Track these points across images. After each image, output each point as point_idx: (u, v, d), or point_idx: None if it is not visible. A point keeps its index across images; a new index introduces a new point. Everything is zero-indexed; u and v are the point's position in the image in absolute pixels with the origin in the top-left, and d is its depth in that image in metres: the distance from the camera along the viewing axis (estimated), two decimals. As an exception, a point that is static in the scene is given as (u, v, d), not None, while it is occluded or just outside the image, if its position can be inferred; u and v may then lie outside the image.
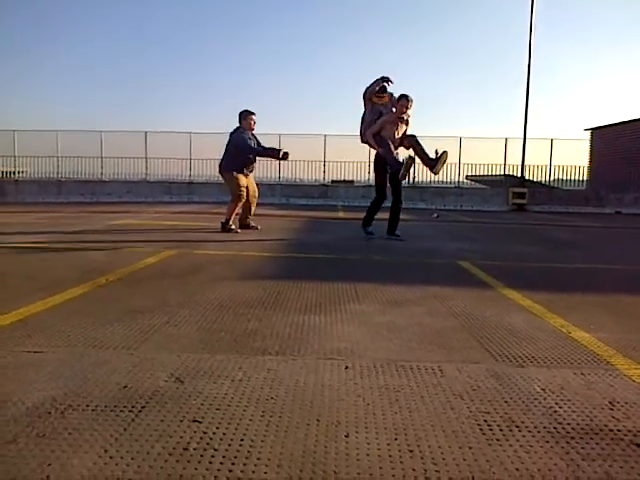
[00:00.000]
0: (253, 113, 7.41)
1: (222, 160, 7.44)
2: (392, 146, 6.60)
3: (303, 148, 19.69)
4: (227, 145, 7.38)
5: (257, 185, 7.85)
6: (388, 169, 6.68)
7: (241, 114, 7.39)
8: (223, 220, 7.26)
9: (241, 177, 7.28)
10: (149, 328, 2.59)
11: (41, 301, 3.06)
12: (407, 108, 6.66)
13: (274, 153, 7.55)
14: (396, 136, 6.72)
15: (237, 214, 7.40)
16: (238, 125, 7.40)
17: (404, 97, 6.61)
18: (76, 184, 17.45)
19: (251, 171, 7.52)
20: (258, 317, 2.85)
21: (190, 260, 4.74)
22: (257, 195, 7.79)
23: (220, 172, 7.48)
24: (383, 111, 6.78)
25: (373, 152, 7.00)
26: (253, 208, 7.70)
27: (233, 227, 7.27)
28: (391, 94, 6.84)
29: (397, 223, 6.90)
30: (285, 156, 7.51)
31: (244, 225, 7.57)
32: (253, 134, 7.49)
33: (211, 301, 3.17)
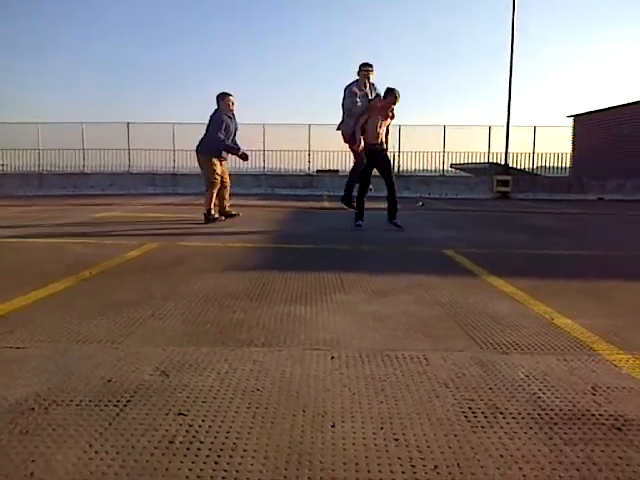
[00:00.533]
0: (230, 95, 7.36)
1: (200, 142, 7.38)
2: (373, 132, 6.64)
3: (288, 138, 19.61)
4: (207, 128, 7.33)
5: (230, 176, 7.80)
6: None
7: (219, 96, 7.33)
8: (205, 211, 7.23)
9: (217, 163, 7.25)
10: (133, 321, 2.58)
11: (23, 296, 3.02)
12: (394, 104, 6.68)
13: (234, 151, 7.48)
14: (379, 129, 6.73)
15: (215, 204, 7.37)
16: (216, 107, 7.35)
17: (392, 93, 6.60)
18: (58, 177, 17.24)
19: (225, 158, 7.48)
20: (243, 309, 2.84)
21: (174, 252, 4.71)
22: (230, 183, 7.73)
23: (197, 154, 7.40)
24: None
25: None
26: (227, 196, 7.65)
27: (216, 216, 7.25)
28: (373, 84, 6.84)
29: (395, 208, 6.86)
30: (244, 157, 7.55)
31: (224, 214, 7.54)
32: (233, 114, 7.45)
33: (196, 293, 3.16)
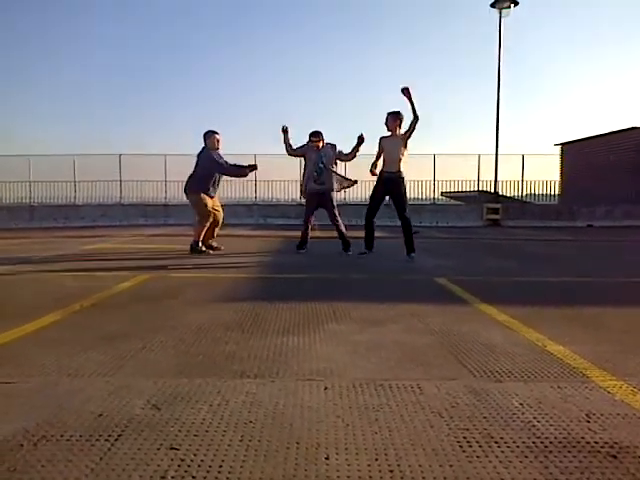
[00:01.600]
0: (217, 132, 7.45)
1: (187, 181, 7.45)
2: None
3: (279, 168, 19.72)
4: (195, 166, 7.42)
5: (222, 206, 7.83)
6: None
7: (205, 134, 7.42)
8: (192, 242, 7.25)
9: (207, 198, 7.31)
10: (125, 354, 2.55)
11: (12, 329, 2.99)
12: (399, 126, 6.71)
13: (243, 171, 7.68)
14: (400, 155, 6.69)
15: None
16: (204, 146, 7.43)
17: (398, 117, 6.68)
18: (49, 209, 17.17)
19: (214, 195, 7.51)
20: (236, 340, 2.82)
21: (166, 284, 4.69)
22: (222, 217, 7.76)
23: (186, 193, 7.46)
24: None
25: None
26: (217, 230, 7.69)
27: (204, 248, 7.27)
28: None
29: (412, 241, 6.69)
30: (253, 168, 7.68)
31: (208, 247, 7.54)
32: (219, 154, 7.52)
33: (188, 325, 3.14)
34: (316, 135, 7.30)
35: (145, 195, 18.46)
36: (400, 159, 6.62)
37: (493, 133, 17.44)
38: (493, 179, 17.72)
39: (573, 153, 23.57)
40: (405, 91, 6.32)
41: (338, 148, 7.37)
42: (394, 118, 6.64)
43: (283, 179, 18.80)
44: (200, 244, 7.24)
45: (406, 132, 6.58)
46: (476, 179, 18.79)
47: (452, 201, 20.03)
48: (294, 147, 7.42)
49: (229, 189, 18.28)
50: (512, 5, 16.43)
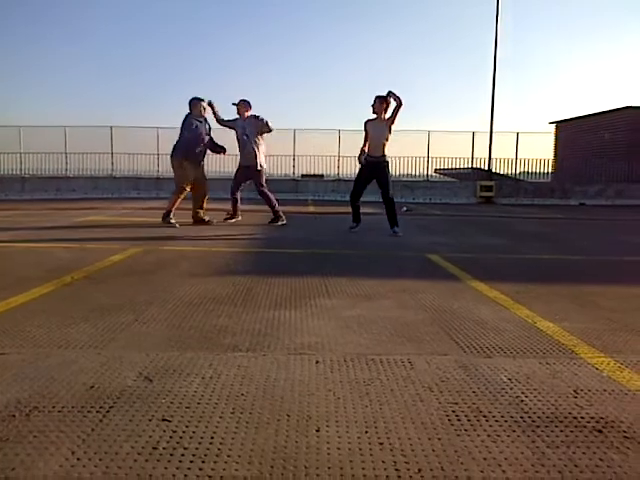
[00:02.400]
0: (202, 99, 7.39)
1: (173, 147, 7.39)
2: None
3: (273, 143, 19.58)
4: (180, 133, 7.35)
5: (206, 181, 7.67)
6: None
7: (191, 102, 7.35)
8: (164, 212, 7.24)
9: (189, 167, 7.23)
10: (116, 326, 2.56)
11: (4, 301, 2.98)
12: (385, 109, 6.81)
13: (214, 148, 7.66)
14: (384, 141, 6.87)
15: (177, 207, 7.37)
16: (188, 112, 7.36)
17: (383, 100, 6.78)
18: (40, 180, 17.02)
19: (199, 162, 7.42)
20: (228, 313, 2.83)
21: (158, 257, 4.68)
22: (207, 189, 7.66)
23: (171, 159, 7.40)
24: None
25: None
26: (203, 202, 7.62)
27: (173, 221, 7.21)
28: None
29: (395, 217, 6.92)
30: (222, 150, 7.77)
31: (197, 220, 7.52)
32: (205, 119, 7.46)
33: (180, 298, 3.14)
34: (240, 103, 7.52)
35: (137, 168, 18.33)
36: (384, 144, 6.81)
37: (488, 111, 17.38)
38: (487, 157, 17.71)
39: (567, 131, 23.55)
40: (390, 94, 6.66)
41: (266, 120, 7.46)
42: (381, 101, 6.77)
43: (276, 154, 18.68)
44: (171, 215, 7.21)
45: (390, 117, 6.77)
46: (470, 156, 18.76)
47: (446, 178, 20.01)
48: (225, 119, 7.71)
49: (221, 163, 18.16)
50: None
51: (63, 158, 18.06)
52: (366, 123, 6.89)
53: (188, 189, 7.31)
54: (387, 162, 6.93)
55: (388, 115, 6.78)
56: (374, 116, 6.87)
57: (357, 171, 7.24)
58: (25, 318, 2.67)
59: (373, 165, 6.83)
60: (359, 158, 6.83)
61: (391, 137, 6.90)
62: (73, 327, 2.54)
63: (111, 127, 18.11)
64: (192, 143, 7.21)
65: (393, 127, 6.84)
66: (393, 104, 6.67)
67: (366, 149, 6.80)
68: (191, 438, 1.50)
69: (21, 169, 17.92)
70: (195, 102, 7.34)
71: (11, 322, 2.60)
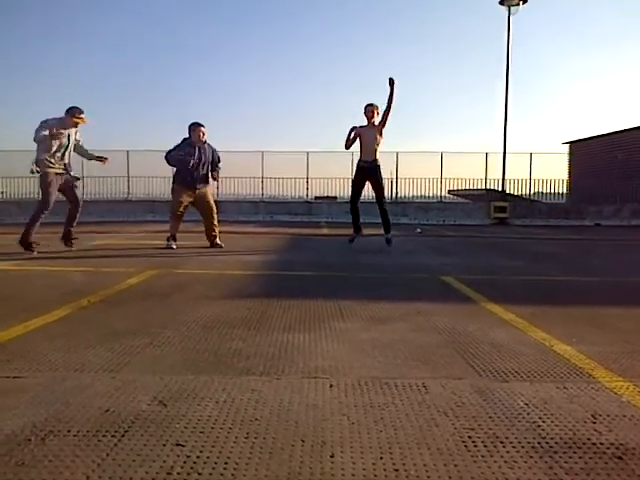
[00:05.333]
0: (202, 125, 7.41)
1: None
2: None
3: (286, 165, 19.76)
4: None
5: (207, 203, 7.61)
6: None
7: (190, 127, 7.41)
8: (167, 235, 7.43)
9: (179, 192, 7.41)
10: (132, 350, 2.57)
11: (21, 324, 3.01)
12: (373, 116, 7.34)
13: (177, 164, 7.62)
14: (375, 146, 7.37)
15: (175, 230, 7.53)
16: (187, 137, 7.45)
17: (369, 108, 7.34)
18: (57, 204, 17.12)
19: (196, 188, 7.42)
20: (242, 337, 2.83)
21: (173, 280, 4.71)
22: (213, 211, 7.62)
23: None
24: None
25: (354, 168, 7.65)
26: (212, 226, 7.60)
27: (170, 242, 7.34)
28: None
29: (389, 223, 7.48)
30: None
31: (211, 244, 7.59)
32: (209, 145, 7.52)
33: (194, 321, 3.15)
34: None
35: (152, 191, 18.53)
36: (376, 149, 7.36)
37: (501, 131, 17.40)
38: (501, 177, 17.68)
39: (581, 152, 23.47)
40: (391, 81, 7.06)
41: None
42: (372, 109, 7.30)
43: (290, 176, 18.82)
44: (168, 239, 7.39)
45: (381, 122, 7.32)
46: (484, 177, 18.76)
47: (459, 199, 20.00)
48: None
49: (235, 186, 18.34)
50: (521, 2, 16.38)
51: (80, 182, 18.31)
52: (357, 128, 7.41)
53: (179, 213, 7.49)
54: (379, 165, 7.47)
55: (378, 120, 7.32)
56: (364, 123, 7.42)
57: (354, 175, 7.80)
58: (42, 341, 2.69)
59: (367, 169, 7.41)
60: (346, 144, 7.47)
61: (382, 141, 7.44)
62: (89, 350, 2.55)
63: (127, 151, 18.39)
64: (179, 169, 7.38)
65: (384, 130, 7.37)
66: (383, 110, 7.23)
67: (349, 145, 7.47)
68: (205, 463, 1.50)
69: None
70: (194, 127, 7.38)
71: (29, 345, 2.62)
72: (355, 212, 7.63)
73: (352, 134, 7.39)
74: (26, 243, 6.69)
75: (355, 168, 7.65)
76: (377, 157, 7.41)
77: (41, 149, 6.57)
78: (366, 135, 7.32)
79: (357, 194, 7.63)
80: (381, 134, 7.34)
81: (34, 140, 6.47)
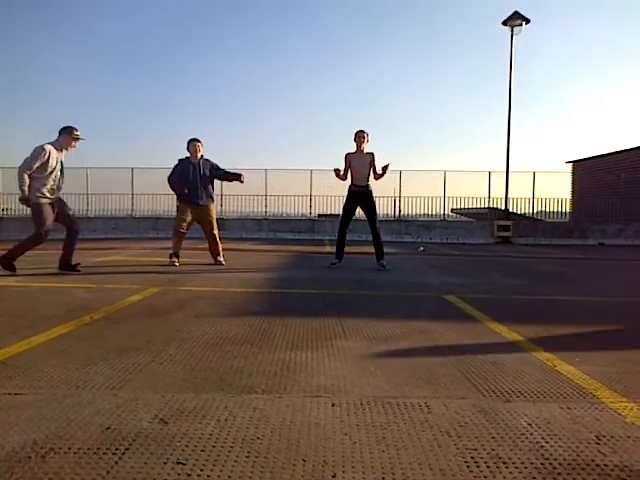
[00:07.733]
0: (198, 141, 7.49)
1: None
2: None
3: (290, 183, 19.81)
4: None
5: (209, 221, 7.58)
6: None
7: (188, 143, 7.49)
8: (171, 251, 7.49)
9: (182, 209, 7.48)
10: (133, 367, 2.56)
11: (23, 341, 3.01)
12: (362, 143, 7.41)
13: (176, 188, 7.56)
14: (364, 171, 7.41)
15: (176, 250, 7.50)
16: (181, 158, 7.55)
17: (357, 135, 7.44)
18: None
19: (196, 203, 7.42)
20: (244, 354, 2.83)
21: (176, 297, 4.71)
22: (214, 228, 7.60)
23: None
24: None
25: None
26: (214, 244, 7.63)
27: (173, 259, 7.40)
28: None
29: (381, 250, 7.44)
30: (235, 178, 7.73)
31: (214, 260, 7.65)
32: (207, 160, 7.56)
33: (196, 339, 3.15)
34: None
35: (156, 208, 18.62)
36: (368, 176, 7.42)
37: (504, 149, 17.46)
38: (504, 196, 17.70)
39: (585, 171, 23.53)
40: (386, 167, 7.24)
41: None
42: (361, 136, 7.40)
43: (293, 194, 18.87)
44: (172, 256, 7.43)
45: (374, 168, 7.42)
46: (487, 196, 18.76)
47: (462, 218, 19.99)
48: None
49: (239, 203, 18.42)
50: (524, 23, 16.54)
51: (84, 199, 18.44)
52: (348, 155, 7.44)
53: (180, 229, 7.48)
54: (371, 191, 7.46)
55: (367, 151, 7.41)
56: (354, 150, 7.46)
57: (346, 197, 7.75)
58: (44, 358, 2.69)
59: (358, 194, 7.43)
60: (336, 173, 7.49)
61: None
62: (91, 367, 2.55)
63: (132, 168, 18.51)
64: (175, 186, 7.45)
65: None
66: (380, 170, 7.35)
67: (341, 173, 7.46)
68: (206, 482, 1.49)
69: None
70: (192, 143, 7.47)
71: (30, 362, 2.62)
72: (342, 238, 7.55)
73: (346, 161, 7.43)
74: (9, 263, 6.33)
75: (347, 192, 7.58)
76: (369, 183, 7.42)
77: (34, 177, 6.13)
78: (356, 161, 7.36)
79: (347, 219, 7.58)
80: (373, 166, 7.40)
81: (27, 167, 6.03)
